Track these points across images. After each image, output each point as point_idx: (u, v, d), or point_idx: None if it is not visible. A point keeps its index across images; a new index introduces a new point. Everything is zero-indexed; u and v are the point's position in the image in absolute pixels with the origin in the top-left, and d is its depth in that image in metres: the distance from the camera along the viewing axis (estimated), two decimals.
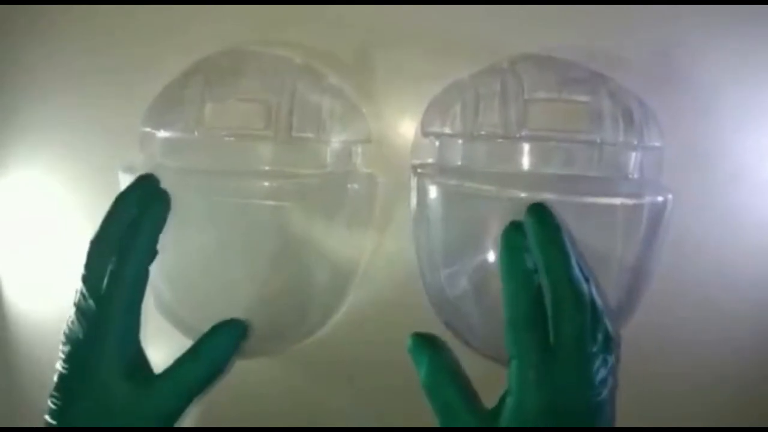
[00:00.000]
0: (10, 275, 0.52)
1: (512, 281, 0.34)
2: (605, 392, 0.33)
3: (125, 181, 0.41)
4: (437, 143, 0.43)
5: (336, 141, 0.43)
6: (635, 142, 0.39)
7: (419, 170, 0.42)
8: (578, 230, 0.42)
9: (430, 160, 0.43)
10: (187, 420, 0.47)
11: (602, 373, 0.32)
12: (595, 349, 0.32)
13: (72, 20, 0.48)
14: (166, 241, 0.39)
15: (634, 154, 0.40)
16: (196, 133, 0.41)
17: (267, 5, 0.46)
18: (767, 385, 0.46)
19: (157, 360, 0.43)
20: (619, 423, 0.43)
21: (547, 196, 0.38)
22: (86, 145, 0.49)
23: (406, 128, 0.45)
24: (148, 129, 0.43)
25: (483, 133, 0.40)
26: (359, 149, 0.45)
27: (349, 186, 0.44)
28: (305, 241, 0.44)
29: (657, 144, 0.41)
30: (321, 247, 0.44)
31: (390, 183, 0.46)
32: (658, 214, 0.40)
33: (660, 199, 0.40)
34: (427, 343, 0.37)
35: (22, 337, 0.52)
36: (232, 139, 0.41)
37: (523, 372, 0.32)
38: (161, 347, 0.46)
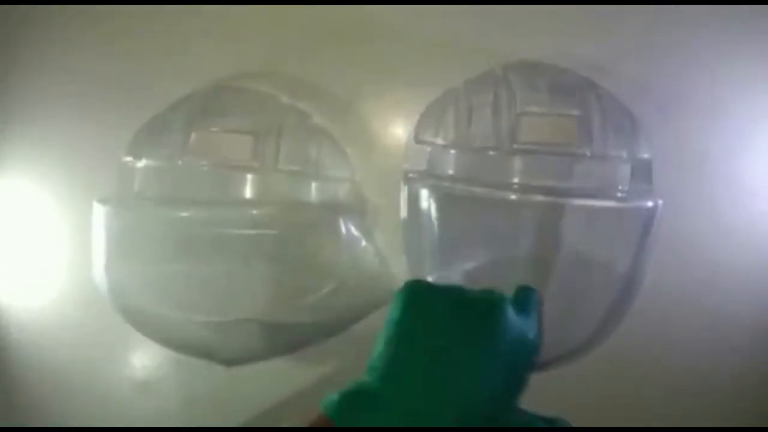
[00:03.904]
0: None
1: None
2: None
3: (99, 211, 0.41)
4: (429, 150, 0.43)
5: (322, 177, 0.44)
6: (624, 155, 0.40)
7: (410, 175, 0.43)
8: (569, 234, 0.43)
9: (421, 168, 0.43)
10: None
11: None
12: None
13: (66, 40, 0.48)
14: (149, 267, 0.40)
15: (623, 167, 0.40)
16: (180, 162, 0.41)
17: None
18: (761, 385, 0.47)
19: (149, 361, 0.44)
20: (615, 423, 0.44)
21: (538, 199, 0.38)
22: (75, 158, 0.49)
23: (399, 135, 0.46)
24: (129, 158, 0.42)
25: (476, 145, 0.40)
26: (343, 186, 0.45)
27: (337, 217, 0.44)
28: (292, 268, 0.44)
29: (646, 156, 0.41)
30: (307, 276, 0.45)
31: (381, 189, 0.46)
32: (648, 219, 0.41)
33: (650, 204, 0.40)
34: None
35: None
36: (216, 168, 0.41)
37: None
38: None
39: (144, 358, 0.47)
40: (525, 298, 0.34)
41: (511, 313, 0.32)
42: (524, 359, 0.32)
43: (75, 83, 0.48)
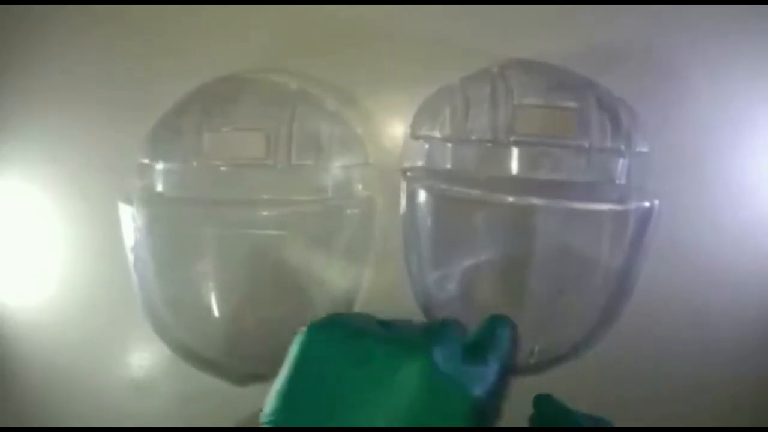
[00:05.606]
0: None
1: None
2: None
3: (125, 211, 0.42)
4: (426, 146, 0.43)
5: (335, 166, 0.43)
6: (622, 148, 0.40)
7: (408, 174, 0.43)
8: (566, 235, 0.43)
9: (419, 164, 0.43)
10: None
11: None
12: None
13: (72, 35, 0.48)
14: (167, 268, 0.40)
15: (621, 160, 0.40)
16: (195, 163, 0.41)
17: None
18: (761, 386, 0.47)
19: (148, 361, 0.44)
20: (613, 424, 0.44)
21: (534, 201, 0.38)
22: (77, 159, 0.48)
23: (397, 130, 0.46)
24: (146, 161, 0.42)
25: (473, 138, 0.40)
26: (357, 172, 0.45)
27: (348, 212, 0.44)
28: (305, 268, 0.44)
29: (644, 149, 0.41)
30: (321, 273, 0.45)
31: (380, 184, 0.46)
32: (644, 219, 0.41)
33: (647, 204, 0.40)
34: None
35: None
36: (231, 168, 0.41)
37: None
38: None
39: (142, 358, 0.47)
40: (487, 338, 0.32)
41: (429, 373, 0.28)
42: (451, 417, 0.29)
43: (73, 83, 0.48)
